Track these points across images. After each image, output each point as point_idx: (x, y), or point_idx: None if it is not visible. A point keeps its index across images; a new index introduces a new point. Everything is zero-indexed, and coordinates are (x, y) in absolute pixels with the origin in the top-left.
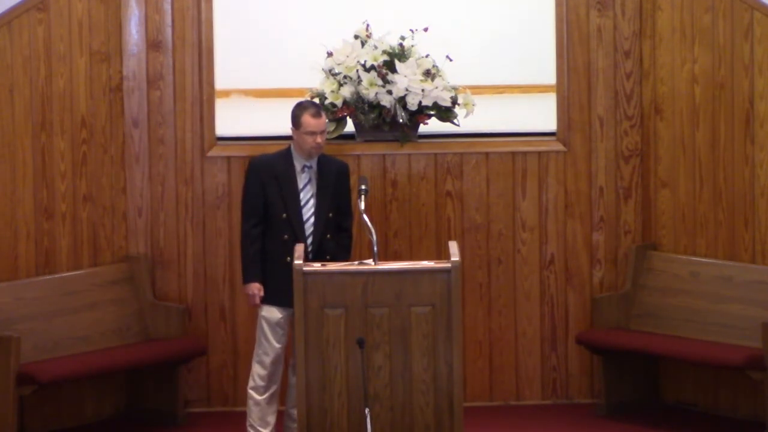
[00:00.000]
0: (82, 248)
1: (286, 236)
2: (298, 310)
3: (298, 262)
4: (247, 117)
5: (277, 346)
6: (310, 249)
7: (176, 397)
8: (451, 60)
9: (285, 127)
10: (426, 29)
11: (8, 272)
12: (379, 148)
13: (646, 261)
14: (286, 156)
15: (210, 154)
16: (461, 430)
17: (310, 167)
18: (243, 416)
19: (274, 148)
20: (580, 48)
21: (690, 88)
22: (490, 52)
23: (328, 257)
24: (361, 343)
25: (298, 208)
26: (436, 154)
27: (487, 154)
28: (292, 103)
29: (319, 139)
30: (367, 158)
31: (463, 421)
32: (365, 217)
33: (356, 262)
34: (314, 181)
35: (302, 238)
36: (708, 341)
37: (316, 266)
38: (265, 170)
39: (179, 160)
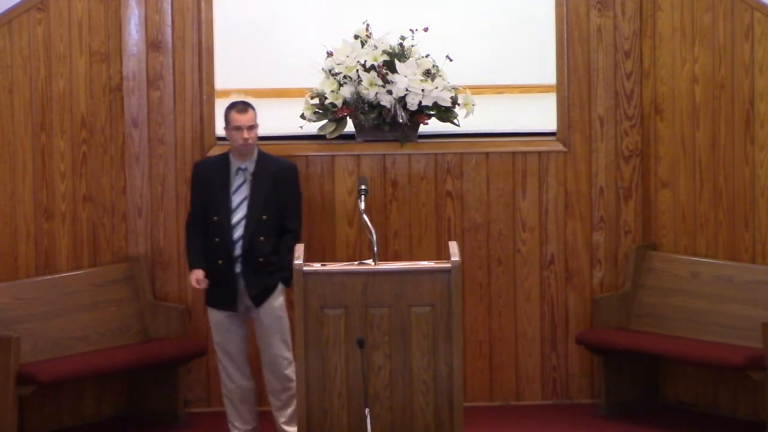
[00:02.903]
0: (82, 248)
1: (217, 239)
2: (298, 310)
3: (298, 262)
4: None
5: (223, 345)
6: (239, 252)
7: (176, 397)
8: (451, 60)
9: (285, 127)
10: (426, 29)
11: (8, 272)
12: (379, 148)
13: (646, 261)
14: (224, 159)
15: (210, 154)
16: (461, 430)
17: (245, 169)
18: None
19: (273, 148)
20: (580, 48)
21: (690, 88)
22: (490, 52)
23: (260, 260)
24: (361, 343)
25: (228, 212)
26: (436, 154)
27: (487, 154)
28: (292, 103)
29: (246, 135)
30: (367, 158)
31: (463, 421)
32: (365, 217)
33: (356, 262)
34: (248, 184)
35: (230, 242)
36: (708, 341)
37: (316, 266)
38: (203, 174)
39: (179, 160)
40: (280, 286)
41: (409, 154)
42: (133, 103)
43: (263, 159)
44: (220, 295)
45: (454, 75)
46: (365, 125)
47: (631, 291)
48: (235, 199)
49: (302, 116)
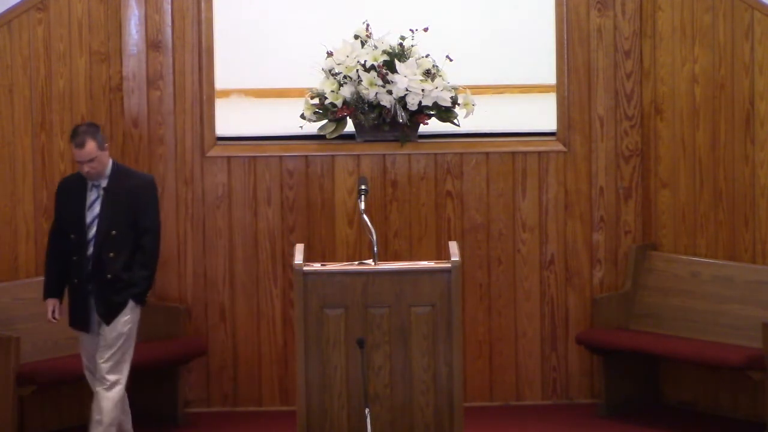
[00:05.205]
0: None
1: (74, 257)
2: (298, 309)
3: (298, 261)
4: (247, 117)
5: (86, 362)
6: (90, 268)
7: (176, 398)
8: (451, 60)
9: (285, 127)
10: (426, 29)
11: (8, 272)
12: (379, 148)
13: (646, 261)
14: (82, 176)
15: (210, 154)
16: (461, 430)
17: (98, 185)
18: (243, 416)
19: (273, 148)
20: (580, 48)
21: (690, 88)
22: (490, 52)
23: (108, 276)
24: (361, 343)
25: (82, 228)
26: (436, 154)
27: (487, 154)
28: (292, 103)
29: (86, 168)
30: (367, 158)
31: (463, 421)
32: (365, 217)
33: (356, 262)
34: (101, 199)
35: (84, 259)
36: (708, 341)
37: (316, 266)
38: (63, 191)
39: (179, 160)
40: (131, 304)
41: (409, 154)
42: (133, 103)
43: (117, 174)
44: (76, 314)
45: (454, 75)
46: (365, 125)
47: (631, 291)
48: (89, 215)
49: (302, 116)
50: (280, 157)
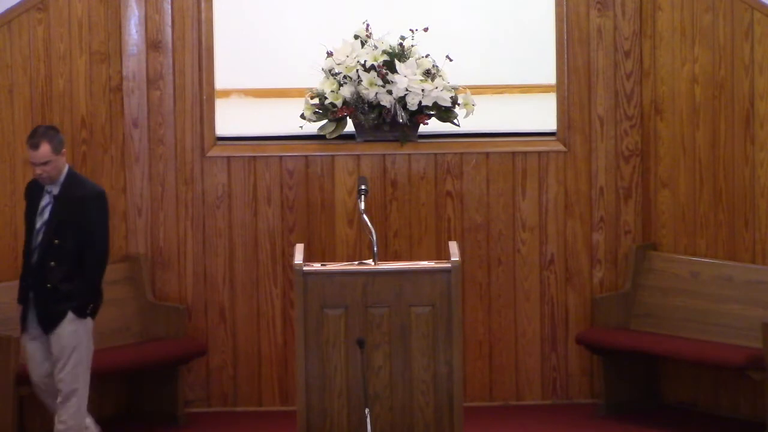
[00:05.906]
0: None
1: (24, 261)
2: (298, 310)
3: (298, 261)
4: (247, 117)
5: (33, 376)
6: (32, 275)
7: (176, 397)
8: (451, 60)
9: (284, 127)
10: (426, 29)
11: (8, 272)
12: (379, 148)
13: (646, 261)
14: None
15: (210, 154)
16: (461, 430)
17: (50, 192)
18: (243, 416)
19: (273, 148)
20: (580, 48)
21: (690, 88)
22: (490, 52)
23: (48, 286)
24: (361, 343)
25: (32, 234)
26: (436, 154)
27: (487, 154)
28: (292, 103)
29: (38, 171)
30: (367, 158)
31: (463, 421)
32: (365, 217)
33: (356, 262)
34: (50, 207)
35: (30, 263)
36: (708, 341)
37: (316, 266)
38: (27, 193)
39: (179, 160)
40: (71, 315)
41: (409, 154)
42: (133, 103)
43: (70, 182)
44: (23, 317)
45: (454, 75)
46: (365, 125)
47: (631, 291)
48: (39, 221)
49: (302, 116)
50: (280, 157)
